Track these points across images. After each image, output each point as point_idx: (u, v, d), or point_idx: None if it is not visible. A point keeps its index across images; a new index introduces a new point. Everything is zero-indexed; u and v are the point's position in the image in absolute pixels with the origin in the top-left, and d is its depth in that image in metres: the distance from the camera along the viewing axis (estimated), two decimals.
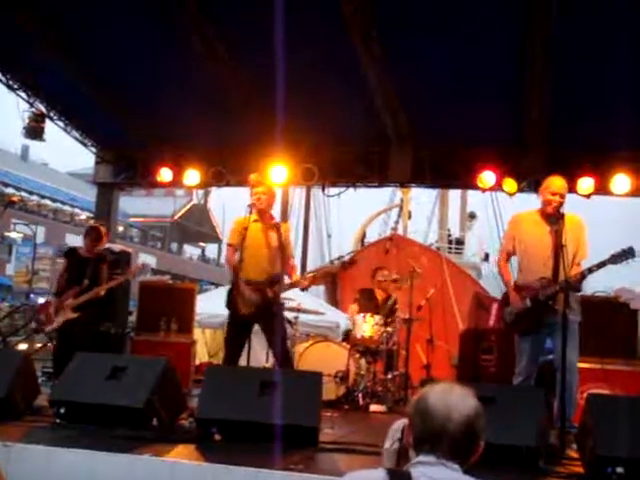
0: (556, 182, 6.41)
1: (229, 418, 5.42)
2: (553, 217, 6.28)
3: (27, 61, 9.33)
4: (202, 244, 66.45)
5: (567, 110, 8.63)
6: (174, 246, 62.83)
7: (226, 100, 9.33)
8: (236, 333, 7.23)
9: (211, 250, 65.28)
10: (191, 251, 65.94)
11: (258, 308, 7.06)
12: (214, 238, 62.22)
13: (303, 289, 7.77)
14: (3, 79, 9.70)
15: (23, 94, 10.03)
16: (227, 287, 7.51)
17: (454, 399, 2.29)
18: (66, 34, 8.86)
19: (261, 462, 4.53)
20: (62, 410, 5.71)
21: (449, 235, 27.52)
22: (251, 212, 7.19)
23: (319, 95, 8.82)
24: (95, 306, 8.17)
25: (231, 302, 7.17)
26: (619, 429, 4.96)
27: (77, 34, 8.85)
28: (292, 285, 7.36)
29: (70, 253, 8.62)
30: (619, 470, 4.72)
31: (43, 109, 10.32)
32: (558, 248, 6.01)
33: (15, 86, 9.88)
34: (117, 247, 9.83)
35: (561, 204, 6.31)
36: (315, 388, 5.71)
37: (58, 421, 5.67)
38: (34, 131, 10.31)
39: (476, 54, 8.10)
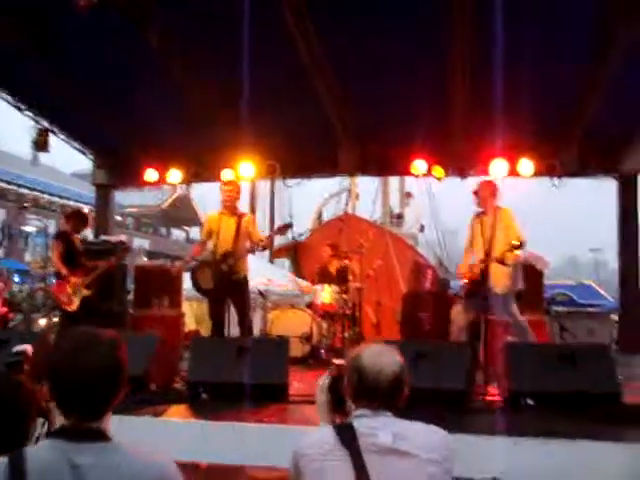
0: None
1: (213, 380, 5.43)
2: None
3: (31, 83, 9.06)
4: (186, 227, 65.88)
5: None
6: (163, 230, 62.21)
7: (199, 111, 9.22)
8: (212, 307, 7.36)
9: (194, 232, 64.89)
10: (177, 234, 65.40)
11: (218, 282, 7.10)
12: (196, 222, 61.76)
13: (264, 247, 7.85)
14: (12, 101, 9.48)
15: (29, 113, 9.81)
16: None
17: (384, 360, 2.34)
18: (63, 58, 8.60)
19: (241, 416, 4.56)
20: None
21: (391, 211, 27.59)
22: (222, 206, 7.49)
23: (279, 103, 8.71)
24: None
25: (193, 280, 7.39)
26: (529, 369, 5.14)
27: (70, 57, 8.51)
28: (254, 244, 7.29)
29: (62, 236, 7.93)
30: (529, 401, 4.97)
31: (47, 125, 10.08)
32: None
33: (23, 107, 9.67)
34: (114, 238, 9.65)
35: None
36: (283, 351, 5.73)
37: None
38: (40, 144, 10.06)
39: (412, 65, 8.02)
